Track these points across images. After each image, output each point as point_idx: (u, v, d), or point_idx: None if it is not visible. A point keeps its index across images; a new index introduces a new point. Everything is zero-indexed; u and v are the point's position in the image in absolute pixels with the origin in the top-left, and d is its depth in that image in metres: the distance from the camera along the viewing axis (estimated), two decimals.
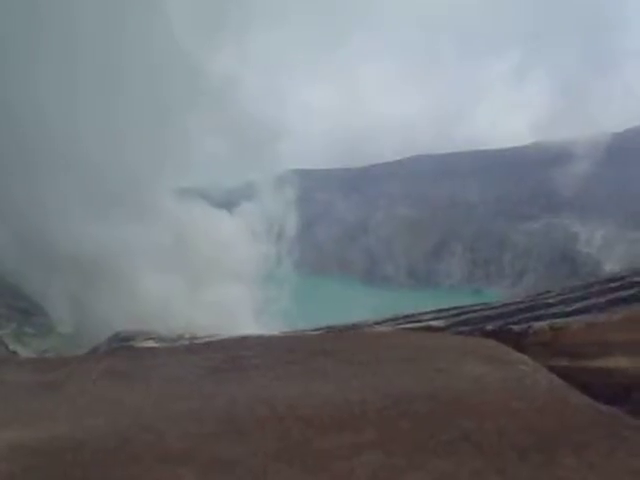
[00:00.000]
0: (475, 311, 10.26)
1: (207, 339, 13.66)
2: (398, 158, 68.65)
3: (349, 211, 63.34)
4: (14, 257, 29.86)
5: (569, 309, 8.45)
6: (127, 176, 34.58)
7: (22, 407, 5.64)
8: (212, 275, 34.63)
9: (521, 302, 9.99)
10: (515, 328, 8.28)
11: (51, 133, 32.61)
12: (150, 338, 19.82)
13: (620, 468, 3.71)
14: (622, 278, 8.82)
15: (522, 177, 56.91)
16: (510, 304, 10.05)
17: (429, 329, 10.43)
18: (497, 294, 43.58)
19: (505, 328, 8.43)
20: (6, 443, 4.43)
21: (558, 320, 8.05)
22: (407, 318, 12.11)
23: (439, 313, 11.61)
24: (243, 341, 8.74)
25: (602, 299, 8.20)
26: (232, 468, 3.93)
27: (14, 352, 25.19)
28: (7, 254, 29.85)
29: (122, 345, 18.24)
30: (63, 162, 32.89)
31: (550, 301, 9.32)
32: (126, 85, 35.82)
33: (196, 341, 14.44)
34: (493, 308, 10.08)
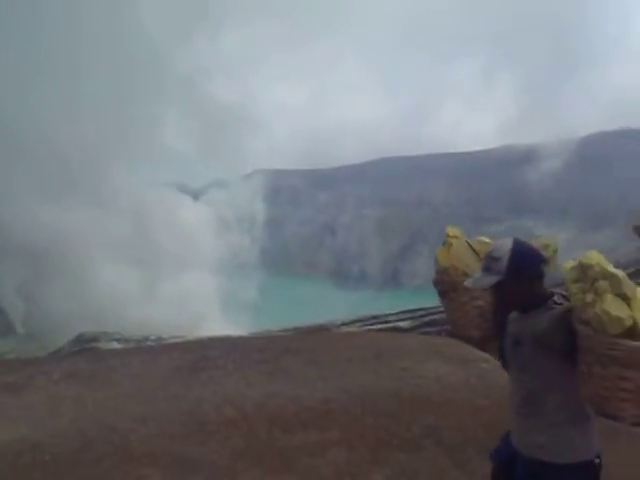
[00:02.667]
0: (441, 312, 10.43)
1: (173, 340, 13.53)
2: (366, 159, 69.14)
3: (316, 212, 63.44)
4: None
5: None
6: (85, 159, 33.26)
7: None
8: (174, 267, 33.70)
9: None
10: None
11: (1, 111, 31.23)
12: (114, 339, 19.47)
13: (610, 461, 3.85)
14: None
15: (488, 179, 57.97)
16: None
17: (395, 330, 10.58)
18: None
19: None
20: None
21: None
22: (374, 319, 12.25)
23: (405, 314, 11.80)
24: (209, 342, 8.70)
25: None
26: (198, 468, 3.93)
27: None
28: None
29: (85, 347, 17.89)
30: (16, 143, 31.41)
31: None
32: (88, 69, 34.86)
33: (162, 342, 14.28)
34: None
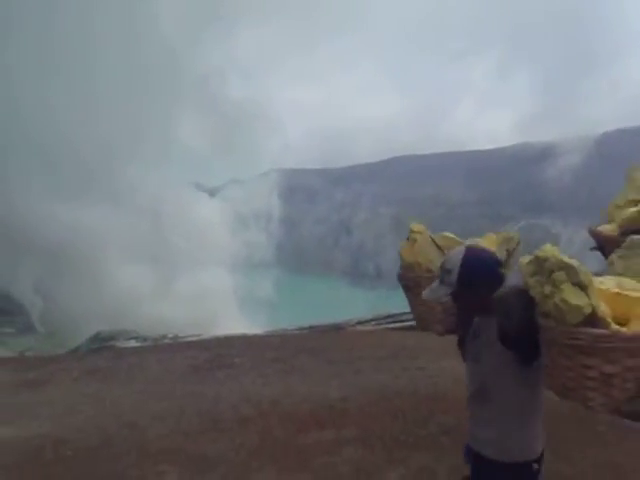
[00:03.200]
0: None
1: (190, 339, 13.61)
2: (381, 158, 68.95)
3: (332, 210, 63.43)
4: None
5: None
6: (101, 157, 33.35)
7: (3, 406, 5.61)
8: (190, 265, 33.71)
9: None
10: None
11: (19, 111, 31.39)
12: (132, 338, 19.66)
13: (594, 462, 3.82)
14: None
15: (504, 177, 57.51)
16: None
17: (411, 329, 10.52)
18: None
19: None
20: None
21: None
22: (389, 318, 12.20)
23: None
24: (225, 340, 8.76)
25: None
26: (215, 465, 3.96)
27: None
28: None
29: (103, 345, 18.08)
30: (33, 141, 31.50)
31: None
32: (104, 67, 34.99)
33: (178, 340, 14.38)
34: None
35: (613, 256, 2.19)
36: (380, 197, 61.19)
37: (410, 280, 2.73)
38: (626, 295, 1.80)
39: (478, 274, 2.08)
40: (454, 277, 2.06)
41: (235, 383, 5.85)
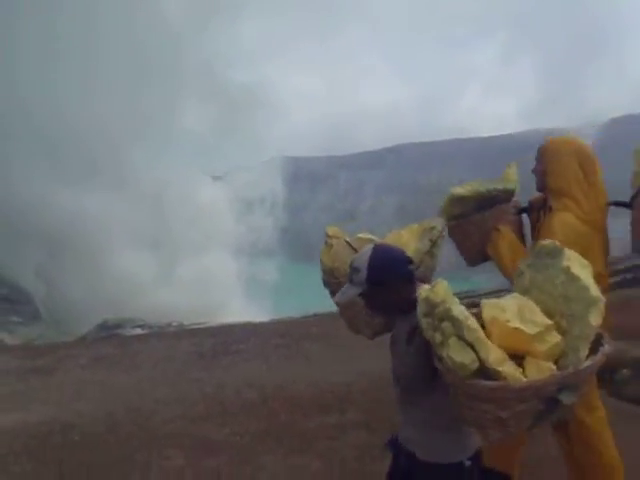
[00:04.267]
0: (462, 298, 10.36)
1: (195, 326, 13.71)
2: (385, 146, 68.69)
3: (336, 198, 63.38)
4: None
5: None
6: (105, 143, 33.19)
7: (11, 392, 5.68)
8: (194, 252, 33.62)
9: (507, 289, 10.15)
10: None
11: (23, 96, 31.23)
12: (137, 326, 19.84)
13: None
14: (612, 264, 8.97)
15: (505, 164, 57.26)
16: (500, 291, 10.21)
17: None
18: (484, 282, 43.99)
19: None
20: None
21: None
22: None
23: None
24: (230, 327, 8.82)
25: None
26: (220, 449, 4.01)
27: (1, 340, 25.04)
28: None
29: (110, 333, 18.24)
30: (36, 127, 31.30)
31: None
32: (108, 53, 34.80)
33: (183, 328, 14.48)
34: (480, 295, 10.23)
35: (522, 265, 2.05)
36: (385, 184, 61.08)
37: (332, 285, 2.73)
38: (522, 331, 1.71)
39: (387, 271, 2.04)
40: (363, 275, 2.02)
41: (240, 369, 5.91)
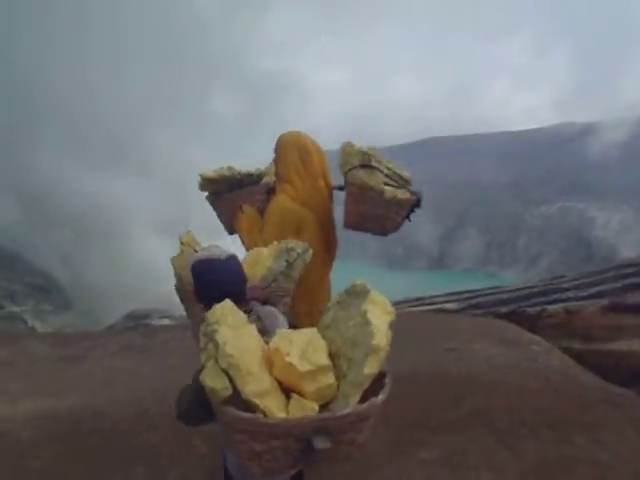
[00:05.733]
0: (488, 294, 10.27)
1: None
2: (413, 139, 68.16)
3: None
4: (19, 225, 28.94)
5: (583, 294, 8.43)
6: (132, 129, 33.60)
7: (43, 379, 5.80)
8: (218, 236, 33.86)
9: (535, 286, 9.98)
10: (529, 310, 8.30)
11: (53, 81, 31.68)
12: (165, 316, 20.11)
13: (629, 447, 3.76)
14: (638, 264, 8.76)
15: (539, 159, 56.24)
16: (524, 288, 10.04)
17: (441, 312, 10.46)
18: (511, 278, 43.42)
19: (518, 311, 8.45)
20: (28, 412, 4.58)
21: (572, 304, 8.04)
22: (419, 300, 12.15)
23: (452, 296, 11.64)
24: None
25: (617, 284, 8.16)
26: None
27: (32, 328, 25.67)
28: (14, 225, 29.08)
29: (137, 323, 18.53)
30: (64, 112, 31.72)
31: (564, 286, 9.30)
32: (137, 40, 35.31)
33: None
34: (507, 292, 10.08)
35: (333, 300, 2.01)
36: (413, 179, 60.53)
37: (181, 292, 2.75)
38: (295, 367, 1.67)
39: (200, 289, 2.09)
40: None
41: None
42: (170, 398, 4.82)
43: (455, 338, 6.13)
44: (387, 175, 3.26)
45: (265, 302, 2.27)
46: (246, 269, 2.42)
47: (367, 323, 1.76)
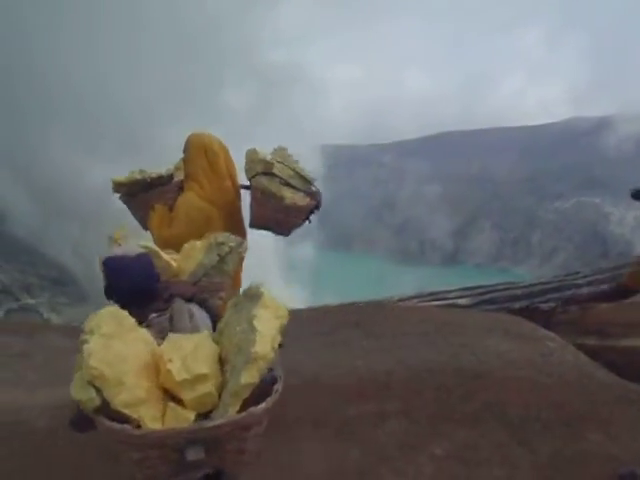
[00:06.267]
0: (502, 290, 10.21)
1: None
2: (426, 134, 67.79)
3: (375, 187, 63.02)
4: (33, 217, 29.09)
5: (598, 290, 8.34)
6: (143, 120, 33.73)
7: (59, 369, 5.87)
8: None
9: (549, 282, 9.91)
10: (542, 306, 8.24)
11: (66, 72, 31.75)
12: None
13: None
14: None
15: (554, 154, 55.70)
16: (538, 284, 9.98)
17: (454, 307, 10.43)
18: (525, 274, 43.14)
19: (532, 307, 8.39)
20: (45, 401, 4.64)
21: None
22: (432, 295, 12.11)
23: (465, 291, 11.60)
24: None
25: None
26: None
27: (48, 320, 25.96)
28: (28, 217, 29.24)
29: None
30: (78, 102, 31.77)
31: (579, 282, 9.22)
32: (149, 29, 35.43)
33: None
34: (520, 287, 10.02)
35: (230, 302, 2.00)
36: (425, 174, 60.32)
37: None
38: (172, 374, 1.66)
39: (109, 285, 2.08)
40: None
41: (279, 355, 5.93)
42: None
43: (468, 333, 6.11)
44: (291, 177, 3.44)
45: (192, 298, 2.24)
46: (178, 264, 2.43)
47: (252, 330, 1.73)
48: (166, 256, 2.60)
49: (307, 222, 3.66)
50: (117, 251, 2.17)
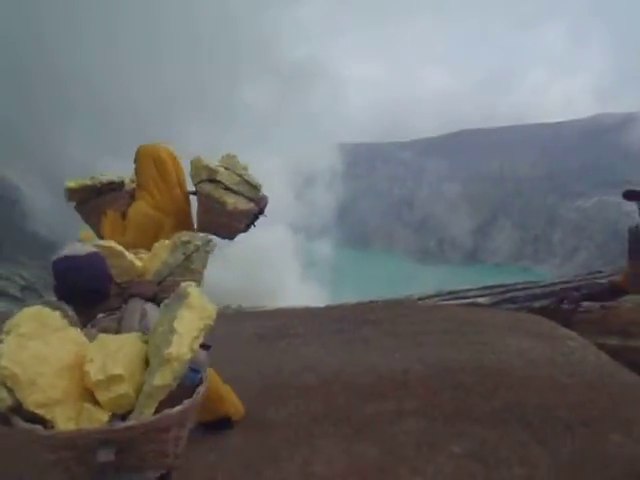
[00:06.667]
0: (522, 289, 10.10)
1: (254, 310, 13.92)
2: (446, 132, 67.23)
3: (394, 185, 62.74)
4: (53, 214, 29.28)
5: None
6: (160, 116, 33.82)
7: None
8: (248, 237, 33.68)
9: (570, 282, 9.78)
10: (564, 306, 8.14)
11: (83, 68, 31.91)
12: None
13: None
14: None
15: (575, 152, 54.89)
16: (559, 283, 9.85)
17: (474, 306, 10.35)
18: (545, 273, 42.61)
19: (553, 306, 8.29)
20: None
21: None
22: (452, 294, 12.04)
23: (485, 290, 11.50)
24: (289, 311, 8.92)
25: None
26: (277, 430, 4.08)
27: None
28: (48, 214, 29.41)
29: None
30: (93, 95, 31.86)
31: (601, 281, 9.08)
32: (166, 25, 35.47)
33: (242, 310, 14.74)
34: (541, 287, 9.91)
35: (162, 303, 1.98)
36: (444, 172, 59.87)
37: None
38: (89, 375, 1.65)
39: (62, 283, 2.06)
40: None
41: (298, 352, 5.97)
42: None
43: (488, 332, 6.08)
44: (237, 183, 3.61)
45: (154, 297, 2.25)
46: (143, 263, 2.46)
47: (171, 331, 1.73)
48: (131, 256, 2.60)
49: (252, 227, 3.82)
50: (66, 251, 2.14)
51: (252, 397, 4.72)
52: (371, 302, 11.23)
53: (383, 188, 62.76)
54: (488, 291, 11.23)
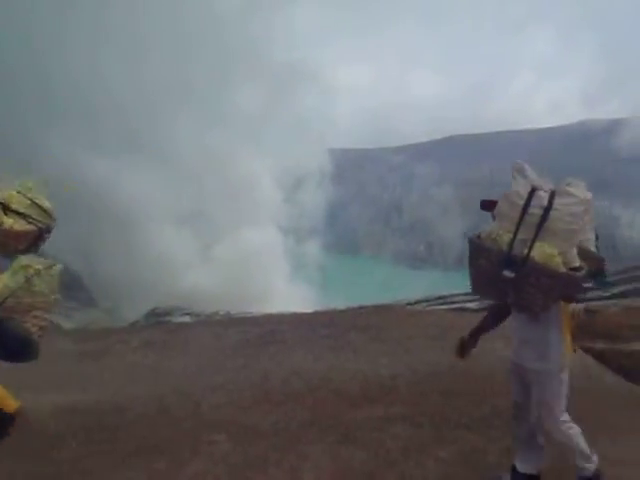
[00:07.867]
0: None
1: (242, 316, 13.90)
2: (434, 138, 67.60)
3: (383, 191, 62.92)
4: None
5: (606, 294, 8.28)
6: (149, 117, 33.38)
7: (68, 373, 5.91)
8: (234, 229, 33.81)
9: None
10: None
11: (69, 66, 31.46)
12: (186, 314, 20.30)
13: None
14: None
15: (564, 157, 55.40)
16: None
17: (462, 310, 10.39)
18: None
19: None
20: (54, 405, 4.68)
21: (595, 303, 7.92)
22: (440, 299, 12.08)
23: (473, 295, 11.55)
24: (276, 317, 8.91)
25: None
26: (265, 437, 4.06)
27: (57, 325, 26.05)
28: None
29: (159, 320, 18.73)
30: (80, 96, 31.39)
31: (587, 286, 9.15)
32: (153, 24, 35.05)
33: (231, 317, 14.71)
34: None
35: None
36: (433, 178, 60.15)
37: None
38: None
39: None
40: None
41: (286, 358, 5.95)
42: (190, 394, 4.89)
43: None
44: (26, 206, 3.51)
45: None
46: None
47: None
48: None
49: (34, 248, 3.71)
50: None
51: (240, 403, 4.70)
52: (360, 307, 11.24)
53: (372, 193, 62.91)
54: (476, 296, 11.26)
